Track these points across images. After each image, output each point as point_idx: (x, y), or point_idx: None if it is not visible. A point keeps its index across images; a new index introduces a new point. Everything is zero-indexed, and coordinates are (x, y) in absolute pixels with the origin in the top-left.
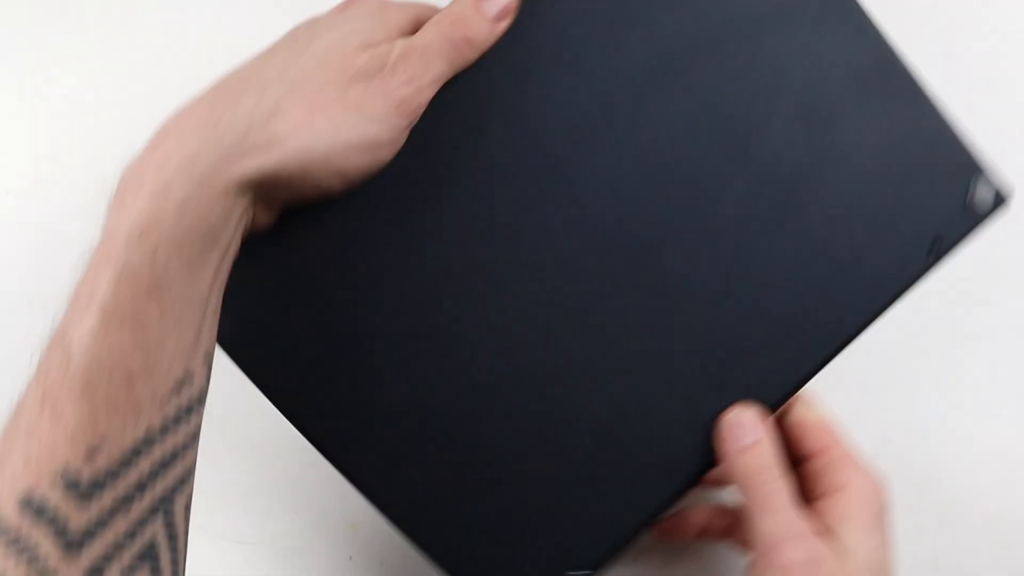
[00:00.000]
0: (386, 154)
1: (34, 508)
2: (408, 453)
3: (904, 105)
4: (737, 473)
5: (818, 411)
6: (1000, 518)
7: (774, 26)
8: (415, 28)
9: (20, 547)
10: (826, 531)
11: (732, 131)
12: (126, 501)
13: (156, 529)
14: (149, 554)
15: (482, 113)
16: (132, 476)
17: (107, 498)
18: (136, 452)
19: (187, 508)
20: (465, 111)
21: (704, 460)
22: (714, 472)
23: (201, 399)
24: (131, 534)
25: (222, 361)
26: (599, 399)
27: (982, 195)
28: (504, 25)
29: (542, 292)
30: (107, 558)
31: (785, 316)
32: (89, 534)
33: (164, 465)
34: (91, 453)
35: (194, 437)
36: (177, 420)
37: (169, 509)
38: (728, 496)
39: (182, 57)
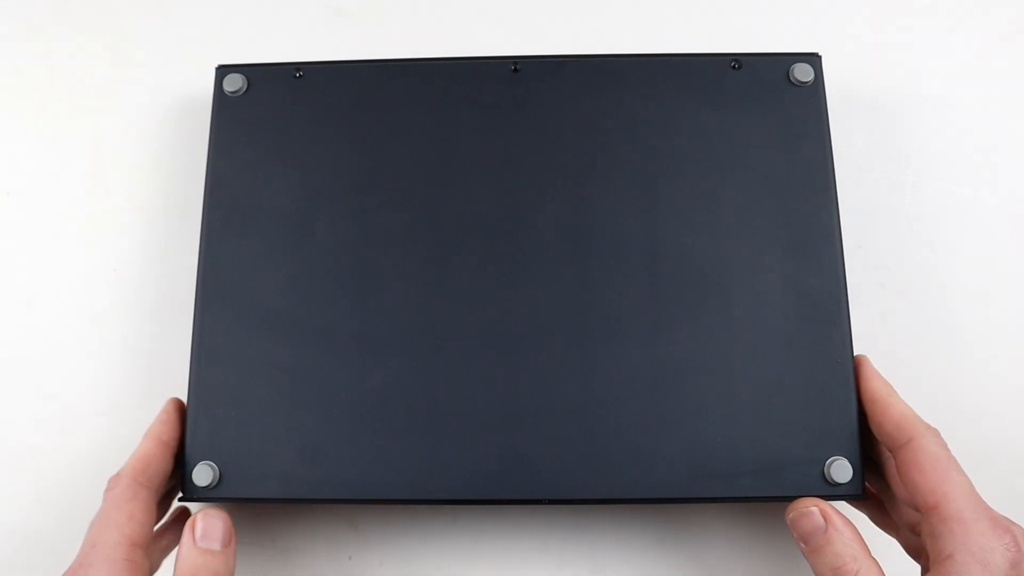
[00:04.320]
0: None
1: None
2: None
3: (828, 348)
4: (816, 570)
5: (935, 444)
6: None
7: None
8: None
9: None
10: None
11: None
12: None
13: None
14: None
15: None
16: None
17: None
18: None
19: None
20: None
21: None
22: None
23: None
24: None
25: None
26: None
27: (839, 474)
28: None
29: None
30: None
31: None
32: None
33: None
34: None
35: None
36: None
37: None
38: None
39: (181, 58)
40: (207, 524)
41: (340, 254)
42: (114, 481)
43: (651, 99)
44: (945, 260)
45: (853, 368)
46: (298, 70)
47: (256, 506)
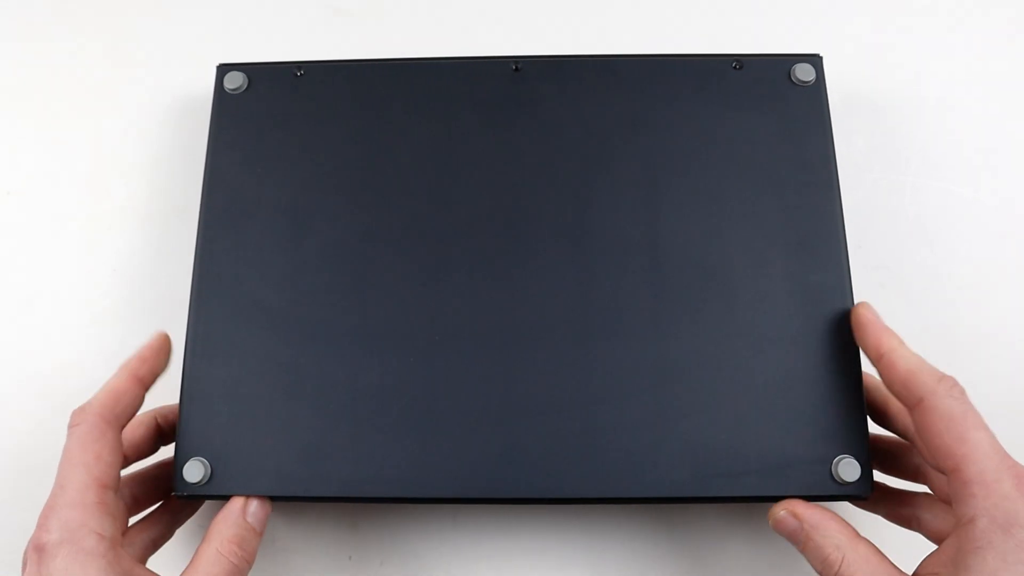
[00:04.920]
0: None
1: None
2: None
3: (833, 343)
4: (810, 563)
5: (947, 401)
6: None
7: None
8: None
9: None
10: None
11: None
12: None
13: None
14: None
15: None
16: None
17: None
18: None
19: None
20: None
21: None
22: None
23: None
24: None
25: None
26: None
27: (847, 473)
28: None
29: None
30: None
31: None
32: None
33: None
34: None
35: None
36: None
37: None
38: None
39: (181, 58)
40: (257, 505)
41: (338, 249)
42: (79, 416)
43: (653, 97)
44: (945, 260)
45: (860, 366)
46: (299, 68)
47: None
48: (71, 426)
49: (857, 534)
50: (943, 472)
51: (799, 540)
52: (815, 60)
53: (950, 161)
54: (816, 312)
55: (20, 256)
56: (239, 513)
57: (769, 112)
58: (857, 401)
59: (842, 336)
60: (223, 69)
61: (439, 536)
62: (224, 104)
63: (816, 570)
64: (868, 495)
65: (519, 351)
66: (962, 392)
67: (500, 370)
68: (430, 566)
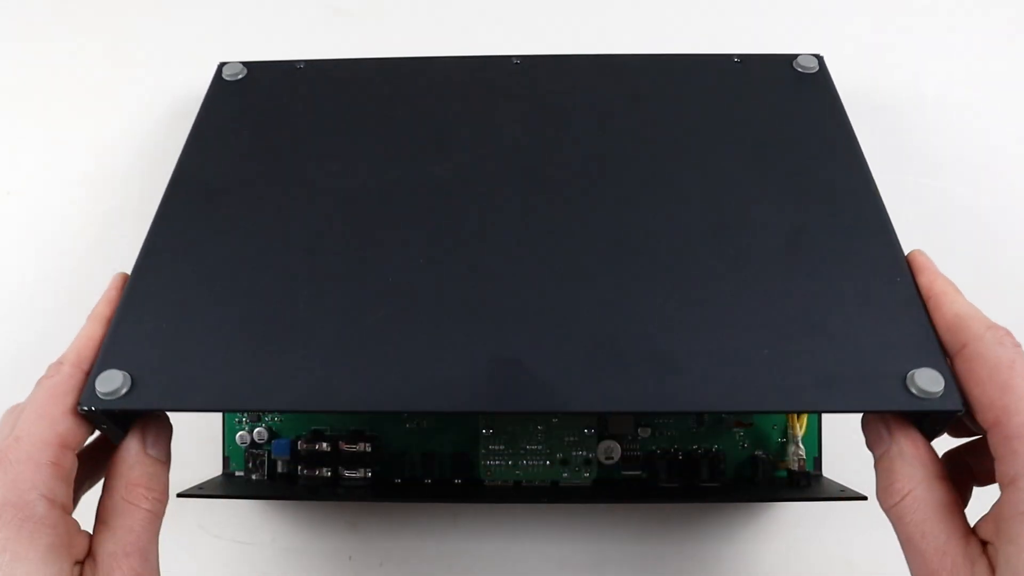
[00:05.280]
0: None
1: None
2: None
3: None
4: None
5: (995, 348)
6: None
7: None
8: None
9: None
10: (988, 549)
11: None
12: None
13: None
14: None
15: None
16: None
17: None
18: None
19: None
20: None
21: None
22: None
23: None
24: None
25: None
26: None
27: (926, 383)
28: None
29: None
30: None
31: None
32: None
33: None
34: None
35: None
36: None
37: None
38: None
39: (181, 58)
40: (157, 432)
41: (322, 186)
42: (54, 369)
43: (658, 85)
44: (945, 260)
45: (914, 284)
46: (299, 64)
47: (255, 504)
48: (43, 378)
49: (942, 475)
50: (985, 429)
51: (878, 450)
52: (817, 59)
53: (950, 161)
54: (857, 240)
55: (20, 256)
56: (139, 448)
57: (777, 92)
58: (920, 315)
59: (894, 258)
60: (223, 66)
61: (439, 536)
62: (220, 88)
63: (877, 490)
64: (961, 410)
65: (522, 252)
66: (1016, 343)
67: (499, 273)
68: (430, 566)
